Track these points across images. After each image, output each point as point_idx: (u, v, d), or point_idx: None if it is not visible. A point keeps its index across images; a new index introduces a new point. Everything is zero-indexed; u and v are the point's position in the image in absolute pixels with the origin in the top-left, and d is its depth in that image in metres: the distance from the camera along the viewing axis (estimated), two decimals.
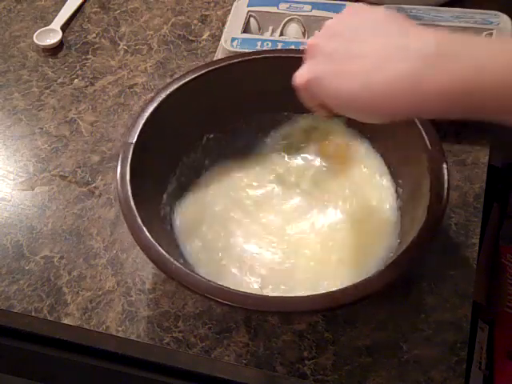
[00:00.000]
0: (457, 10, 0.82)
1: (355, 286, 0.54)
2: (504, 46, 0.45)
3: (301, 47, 0.55)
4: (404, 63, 0.45)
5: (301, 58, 0.63)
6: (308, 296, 0.50)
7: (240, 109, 0.72)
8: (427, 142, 0.60)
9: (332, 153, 0.71)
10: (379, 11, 0.51)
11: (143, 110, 0.66)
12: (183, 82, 0.68)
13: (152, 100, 0.67)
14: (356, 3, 0.53)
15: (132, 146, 0.63)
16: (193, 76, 0.69)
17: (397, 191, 0.66)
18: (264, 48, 0.79)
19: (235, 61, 0.70)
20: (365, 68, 0.47)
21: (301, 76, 0.53)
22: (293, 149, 0.71)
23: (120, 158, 0.63)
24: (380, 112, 0.49)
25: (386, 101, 0.47)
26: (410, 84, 0.45)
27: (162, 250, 0.56)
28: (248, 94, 0.71)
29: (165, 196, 0.68)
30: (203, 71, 0.69)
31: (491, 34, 0.78)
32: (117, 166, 0.62)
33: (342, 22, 0.52)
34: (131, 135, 0.64)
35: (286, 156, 0.71)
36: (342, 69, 0.49)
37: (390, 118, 0.50)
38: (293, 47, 0.78)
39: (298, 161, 0.71)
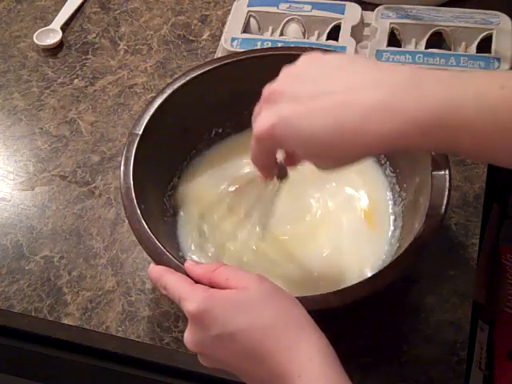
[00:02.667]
0: (457, 10, 0.82)
1: (349, 290, 0.54)
2: (472, 77, 0.43)
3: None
4: (379, 93, 0.44)
5: None
6: (303, 297, 0.50)
7: (250, 105, 0.71)
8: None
9: None
10: (340, 54, 0.49)
11: (151, 102, 0.66)
12: (192, 76, 0.68)
13: (160, 92, 0.67)
14: (309, 52, 0.50)
15: (138, 137, 0.63)
16: (202, 70, 0.68)
17: (400, 195, 0.66)
18: None
19: (246, 56, 0.70)
20: (337, 102, 0.45)
21: (263, 123, 0.49)
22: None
23: (125, 147, 0.63)
24: (355, 147, 0.46)
25: (363, 133, 0.44)
26: (385, 112, 0.44)
27: (156, 240, 0.57)
28: (259, 91, 0.70)
29: (169, 188, 0.68)
30: (213, 65, 0.69)
31: (491, 34, 0.78)
32: (121, 156, 0.62)
33: (303, 66, 0.49)
34: (138, 126, 0.64)
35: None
36: (311, 107, 0.46)
37: (363, 153, 0.47)
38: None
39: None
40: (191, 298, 0.48)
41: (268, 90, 0.50)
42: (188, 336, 0.49)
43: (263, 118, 0.49)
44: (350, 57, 0.49)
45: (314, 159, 0.50)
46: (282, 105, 0.48)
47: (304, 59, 0.50)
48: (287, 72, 0.50)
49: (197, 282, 0.51)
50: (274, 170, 0.56)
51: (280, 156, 0.56)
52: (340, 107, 0.45)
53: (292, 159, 0.56)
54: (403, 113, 0.43)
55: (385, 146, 0.46)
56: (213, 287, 0.50)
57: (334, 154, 0.47)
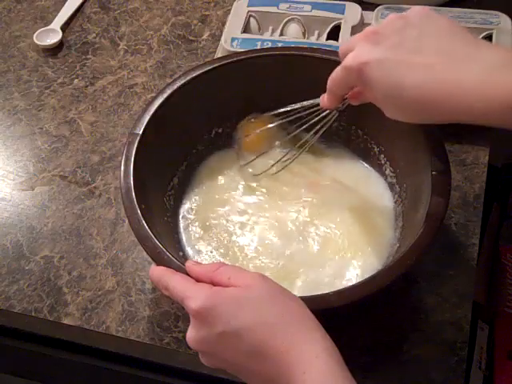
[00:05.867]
0: (457, 10, 0.82)
1: (349, 290, 0.54)
2: None
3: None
4: (472, 69, 0.47)
5: (308, 56, 0.64)
6: (304, 297, 0.50)
7: (250, 105, 0.72)
8: (432, 147, 0.60)
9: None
10: (445, 18, 0.52)
11: (151, 102, 0.66)
12: (192, 76, 0.68)
13: (160, 92, 0.67)
14: (421, 6, 0.53)
15: (138, 137, 0.63)
16: (202, 70, 0.68)
17: (400, 195, 0.66)
18: None
19: (246, 56, 0.70)
20: (433, 65, 0.48)
21: (357, 56, 0.52)
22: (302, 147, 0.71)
23: (125, 147, 0.63)
24: (432, 110, 0.49)
25: (445, 99, 0.48)
26: (474, 87, 0.46)
27: (156, 241, 0.57)
28: (259, 91, 0.71)
29: (170, 188, 0.68)
30: (213, 65, 0.69)
31: (491, 34, 0.78)
32: (121, 156, 0.62)
33: (413, 18, 0.52)
34: (138, 126, 0.64)
35: (295, 153, 0.71)
36: (408, 60, 0.49)
37: (436, 118, 0.51)
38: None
39: (304, 159, 0.71)
40: (195, 296, 0.48)
41: (372, 29, 0.53)
42: (191, 334, 0.49)
43: (359, 52, 0.52)
44: (456, 26, 0.51)
45: (388, 106, 0.52)
46: (382, 48, 0.50)
47: (417, 12, 0.52)
48: (396, 18, 0.52)
49: (198, 281, 0.51)
50: (339, 101, 0.59)
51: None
52: (435, 70, 0.48)
53: (358, 97, 0.58)
54: (491, 93, 0.46)
55: (463, 118, 0.49)
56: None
57: (413, 108, 0.50)
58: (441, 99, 0.48)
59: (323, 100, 0.60)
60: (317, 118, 0.63)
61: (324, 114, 0.62)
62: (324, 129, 0.64)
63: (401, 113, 0.52)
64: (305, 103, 0.64)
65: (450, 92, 0.47)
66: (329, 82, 0.57)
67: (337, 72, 0.55)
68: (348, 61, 0.53)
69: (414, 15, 0.52)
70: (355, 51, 0.52)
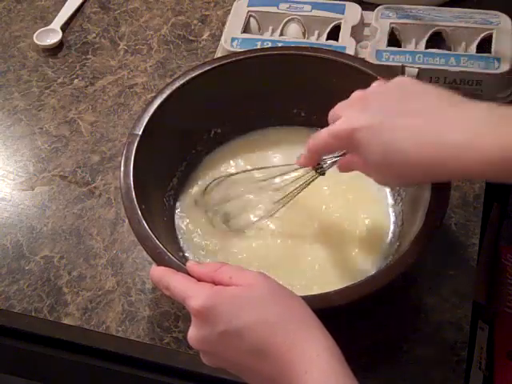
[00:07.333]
0: (457, 10, 0.82)
1: (350, 289, 0.54)
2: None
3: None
4: (457, 132, 0.47)
5: (308, 56, 0.65)
6: (304, 296, 0.50)
7: (249, 105, 0.72)
8: None
9: None
10: (430, 86, 0.52)
11: (151, 102, 0.66)
12: (192, 76, 0.68)
13: (160, 92, 0.67)
14: (401, 77, 0.54)
15: (138, 137, 0.63)
16: (202, 70, 0.68)
17: (400, 194, 0.66)
18: None
19: (245, 56, 0.70)
20: (416, 126, 0.49)
21: (348, 123, 0.52)
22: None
23: (125, 149, 0.63)
24: (419, 174, 0.50)
25: (440, 162, 0.48)
26: (461, 149, 0.47)
27: (157, 241, 0.57)
28: (258, 91, 0.71)
29: (169, 188, 0.68)
30: (213, 65, 0.69)
31: (491, 34, 0.78)
32: (121, 157, 0.62)
33: (393, 82, 0.53)
34: (138, 126, 0.64)
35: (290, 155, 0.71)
36: (396, 123, 0.50)
37: (431, 179, 0.52)
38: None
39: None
40: (196, 295, 0.48)
41: (358, 95, 0.54)
42: (192, 333, 0.49)
43: (348, 119, 0.52)
44: (437, 90, 0.52)
45: (378, 172, 0.53)
46: (369, 113, 0.51)
47: (398, 78, 0.54)
48: (378, 84, 0.54)
49: (199, 281, 0.51)
50: (317, 161, 0.59)
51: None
52: (421, 132, 0.49)
53: (349, 165, 0.57)
54: (479, 152, 0.46)
55: (454, 177, 0.52)
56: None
57: (405, 170, 0.51)
58: (426, 161, 0.49)
59: (300, 160, 0.60)
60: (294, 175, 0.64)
61: (303, 174, 0.63)
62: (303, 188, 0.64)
63: (395, 179, 0.54)
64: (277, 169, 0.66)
65: (436, 154, 0.48)
66: (311, 145, 0.57)
67: (323, 138, 0.55)
68: (337, 128, 0.53)
69: (395, 80, 0.53)
70: (344, 118, 0.53)
